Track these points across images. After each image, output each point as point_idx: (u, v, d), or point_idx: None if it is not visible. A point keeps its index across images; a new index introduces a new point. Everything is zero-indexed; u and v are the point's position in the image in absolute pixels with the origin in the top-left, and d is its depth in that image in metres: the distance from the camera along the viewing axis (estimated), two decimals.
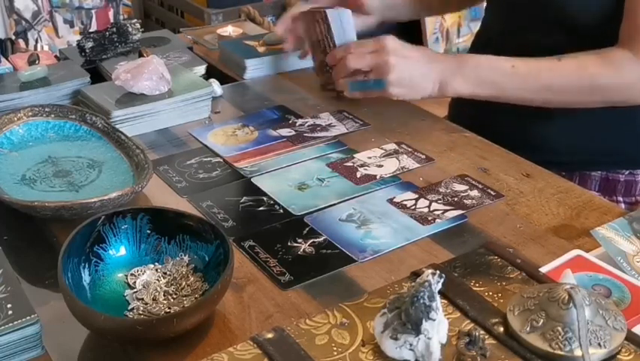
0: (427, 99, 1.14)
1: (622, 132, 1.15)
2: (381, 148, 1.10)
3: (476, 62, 1.11)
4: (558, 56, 1.08)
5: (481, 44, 1.27)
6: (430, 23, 3.14)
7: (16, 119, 1.08)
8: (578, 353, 0.65)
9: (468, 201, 0.96)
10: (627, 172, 1.17)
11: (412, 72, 1.10)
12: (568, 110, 1.11)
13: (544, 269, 0.80)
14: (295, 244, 0.88)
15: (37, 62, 1.28)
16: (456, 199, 0.97)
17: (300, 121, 1.18)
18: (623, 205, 1.17)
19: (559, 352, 0.65)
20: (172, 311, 0.75)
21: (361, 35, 1.20)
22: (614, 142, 1.16)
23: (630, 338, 0.68)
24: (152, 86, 1.16)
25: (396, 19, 1.42)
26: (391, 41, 1.10)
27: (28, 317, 0.70)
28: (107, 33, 1.34)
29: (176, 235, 0.82)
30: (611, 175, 1.17)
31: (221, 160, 1.08)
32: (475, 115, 1.21)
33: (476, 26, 1.37)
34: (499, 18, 1.25)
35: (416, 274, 0.76)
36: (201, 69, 1.34)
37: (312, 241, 0.89)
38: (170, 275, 0.80)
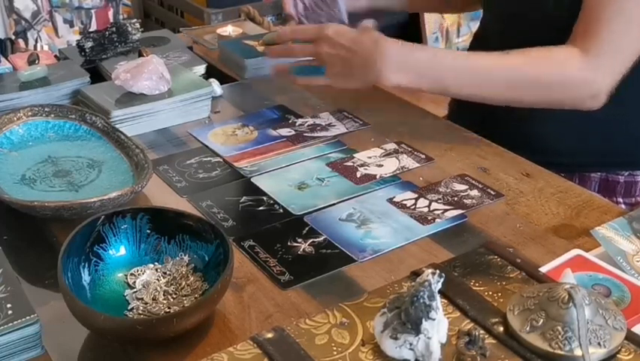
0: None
1: (621, 134, 1.15)
2: (381, 148, 1.10)
3: (418, 52, 1.08)
4: (507, 50, 1.06)
5: (479, 45, 1.27)
6: (430, 23, 3.13)
7: (15, 119, 1.08)
8: (577, 352, 0.65)
9: (468, 201, 0.96)
10: (627, 173, 1.17)
11: (347, 64, 1.08)
12: (567, 111, 1.11)
13: (544, 269, 0.80)
14: (295, 244, 0.88)
15: (36, 61, 1.28)
16: (456, 199, 0.97)
17: (299, 121, 1.18)
18: (623, 206, 1.16)
19: (559, 351, 0.65)
20: (172, 311, 0.75)
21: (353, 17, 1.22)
22: (614, 143, 1.15)
23: (630, 337, 0.68)
24: (151, 85, 1.16)
25: (388, 9, 1.37)
26: (331, 30, 1.09)
27: (27, 317, 0.70)
28: (107, 33, 1.34)
29: (175, 234, 0.82)
30: (611, 176, 1.17)
31: (221, 160, 1.08)
32: (475, 115, 1.20)
33: (476, 26, 1.36)
34: (497, 21, 1.25)
35: (416, 274, 0.76)
36: (201, 69, 1.34)
37: (311, 240, 0.89)
38: (169, 275, 0.80)
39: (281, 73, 1.18)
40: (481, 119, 1.18)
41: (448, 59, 1.08)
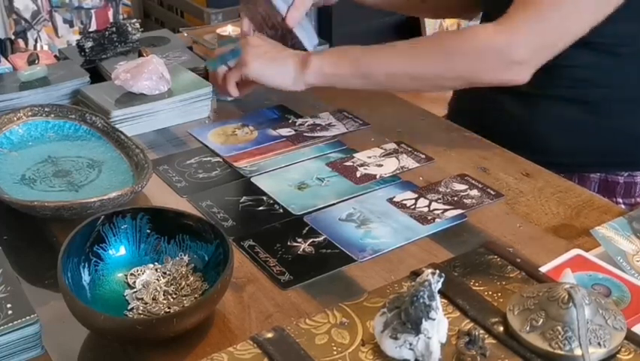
0: (291, 85, 1.12)
1: (621, 134, 1.15)
2: (381, 148, 1.10)
3: (342, 46, 1.11)
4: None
5: None
6: (430, 23, 3.13)
7: (15, 119, 1.08)
8: (577, 352, 0.65)
9: (468, 201, 0.96)
10: (626, 174, 1.16)
11: (271, 49, 1.12)
12: (567, 111, 1.11)
13: (543, 269, 0.80)
14: (295, 244, 0.88)
15: (36, 61, 1.28)
16: (456, 199, 0.97)
17: (299, 121, 1.18)
18: (622, 207, 1.16)
19: (558, 351, 0.65)
20: (172, 311, 0.75)
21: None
22: (614, 144, 1.15)
23: (630, 337, 0.68)
24: (151, 85, 1.16)
25: (364, 3, 1.34)
26: (253, 40, 1.13)
27: (27, 317, 0.70)
28: (107, 33, 1.34)
29: (175, 234, 0.82)
30: (610, 177, 1.17)
31: (221, 160, 1.08)
32: (475, 114, 1.21)
33: None
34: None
35: (416, 274, 0.76)
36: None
37: (311, 240, 0.89)
38: (169, 275, 0.80)
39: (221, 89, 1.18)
40: (481, 119, 1.18)
41: (368, 48, 1.09)
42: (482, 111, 1.19)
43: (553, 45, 1.03)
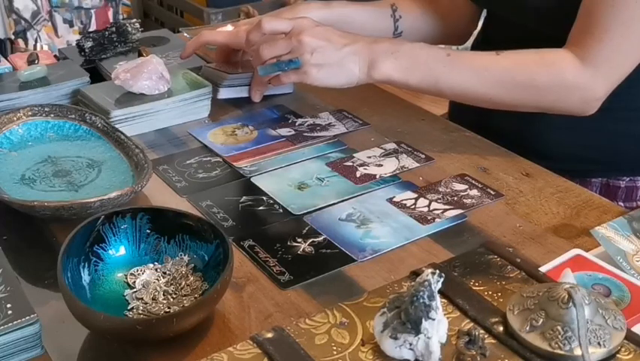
0: (354, 85, 1.05)
1: (623, 139, 1.15)
2: (381, 147, 1.10)
3: (410, 45, 1.04)
4: (498, 51, 1.04)
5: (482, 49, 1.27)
6: None
7: (15, 118, 1.08)
8: (577, 352, 0.65)
9: (467, 201, 0.96)
10: (628, 179, 1.16)
11: (332, 52, 1.01)
12: (568, 117, 1.10)
13: (543, 268, 0.80)
14: (295, 244, 0.88)
15: (36, 61, 1.28)
16: (455, 199, 0.97)
17: (299, 120, 1.18)
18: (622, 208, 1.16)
19: (558, 351, 0.65)
20: (172, 311, 0.75)
21: None
22: (615, 149, 1.15)
23: (630, 337, 0.68)
24: (151, 85, 1.16)
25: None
26: (307, 20, 1.04)
27: (27, 317, 0.70)
28: (107, 33, 1.34)
29: (175, 234, 0.82)
30: (612, 181, 1.16)
31: (221, 160, 1.08)
32: (475, 114, 1.20)
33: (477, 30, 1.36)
34: (500, 30, 1.24)
35: (416, 274, 0.76)
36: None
37: (311, 240, 0.89)
38: (169, 275, 0.80)
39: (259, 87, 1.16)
40: (481, 118, 1.18)
41: (441, 54, 1.05)
42: (482, 112, 1.19)
43: (625, 74, 1.03)
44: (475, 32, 1.35)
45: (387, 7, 1.23)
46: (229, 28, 1.46)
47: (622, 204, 1.16)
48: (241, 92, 1.26)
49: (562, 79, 1.02)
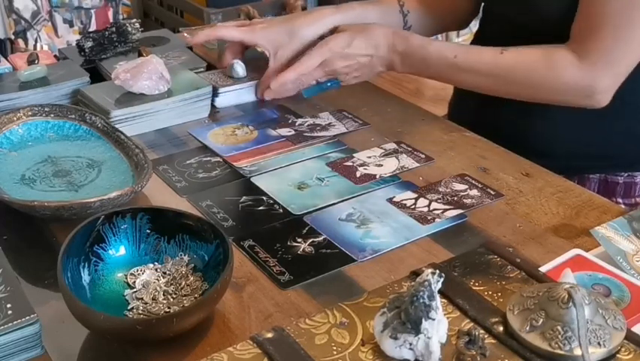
0: None
1: (621, 135, 1.15)
2: (381, 147, 1.10)
3: (421, 47, 1.14)
4: (503, 47, 1.09)
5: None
6: None
7: (15, 118, 1.08)
8: (577, 352, 0.65)
9: (467, 201, 0.96)
10: (626, 174, 1.16)
11: (364, 67, 1.17)
12: (567, 113, 1.11)
13: (543, 268, 0.80)
14: (295, 244, 0.88)
15: (36, 61, 1.28)
16: (455, 199, 0.97)
17: (299, 120, 1.18)
18: (622, 207, 1.16)
19: (558, 351, 0.65)
20: (172, 311, 0.75)
21: None
22: (613, 145, 1.15)
23: (630, 337, 0.68)
24: (151, 85, 1.16)
25: None
26: (333, 44, 1.16)
27: (27, 317, 0.70)
28: (107, 33, 1.34)
29: (175, 234, 0.82)
30: (610, 177, 1.17)
31: (221, 160, 1.08)
32: (475, 114, 1.20)
33: (476, 26, 1.36)
34: (495, 23, 1.24)
35: (416, 274, 0.76)
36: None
37: (311, 240, 0.89)
38: (169, 275, 0.80)
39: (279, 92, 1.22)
40: (481, 118, 1.18)
41: (449, 57, 1.12)
42: (482, 111, 1.19)
43: (632, 64, 1.05)
44: (473, 31, 1.36)
45: (394, 3, 1.29)
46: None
47: (620, 200, 1.17)
48: (238, 98, 1.25)
49: (562, 78, 1.06)
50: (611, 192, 1.16)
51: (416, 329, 0.65)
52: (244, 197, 0.98)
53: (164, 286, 0.79)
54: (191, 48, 1.45)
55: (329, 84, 1.22)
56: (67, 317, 0.72)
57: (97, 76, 1.29)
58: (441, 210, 0.94)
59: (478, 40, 1.31)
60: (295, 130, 1.15)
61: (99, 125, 1.09)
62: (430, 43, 1.14)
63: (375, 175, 1.03)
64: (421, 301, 0.65)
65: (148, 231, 0.82)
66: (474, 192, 0.98)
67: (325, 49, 1.16)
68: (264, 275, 0.83)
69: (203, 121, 1.19)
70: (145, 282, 0.79)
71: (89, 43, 1.33)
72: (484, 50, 1.11)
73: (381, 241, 0.89)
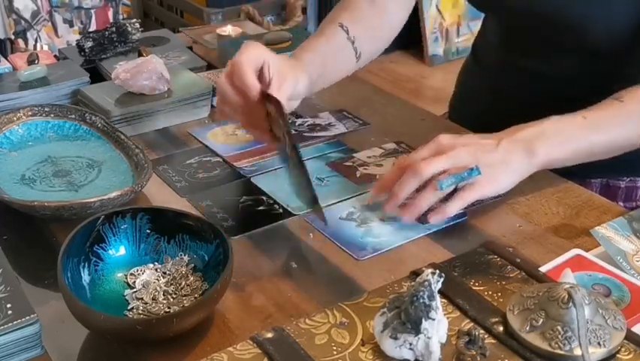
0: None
1: None
2: (381, 148, 1.10)
3: (547, 122, 0.96)
4: (615, 96, 0.99)
5: (482, 45, 1.26)
6: (429, 22, 3.13)
7: (15, 118, 1.08)
8: (577, 352, 0.65)
9: None
10: (628, 179, 1.16)
11: (492, 154, 0.93)
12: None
13: (543, 268, 0.80)
14: None
15: (36, 61, 1.28)
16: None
17: (299, 120, 1.18)
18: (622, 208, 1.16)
19: (558, 351, 0.65)
20: (172, 311, 0.75)
21: None
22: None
23: (630, 337, 0.68)
24: (151, 85, 1.17)
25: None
26: (445, 138, 0.96)
27: (27, 317, 0.70)
28: (107, 33, 1.34)
29: (175, 234, 0.82)
30: (612, 182, 1.16)
31: (221, 160, 1.08)
32: (475, 115, 1.20)
33: (476, 25, 1.36)
34: (499, 32, 1.23)
35: (416, 274, 0.76)
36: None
37: None
38: (169, 275, 0.80)
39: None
40: (481, 119, 1.18)
41: (578, 120, 0.97)
42: (482, 111, 1.19)
43: None
44: (472, 31, 1.34)
45: (339, 31, 1.12)
46: (229, 28, 1.46)
47: (622, 204, 1.16)
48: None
49: None
50: (612, 196, 1.16)
51: (416, 329, 0.65)
52: (244, 197, 0.98)
53: (164, 286, 0.79)
54: (191, 48, 1.45)
55: (467, 176, 0.91)
56: (67, 317, 0.72)
57: (97, 76, 1.29)
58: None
59: (482, 38, 1.30)
60: (295, 130, 1.15)
61: (99, 125, 1.09)
62: (551, 118, 0.98)
63: (375, 175, 1.03)
64: (421, 301, 0.65)
65: (148, 231, 0.82)
66: None
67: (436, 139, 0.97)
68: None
69: (203, 121, 1.19)
70: (145, 282, 0.79)
71: (89, 44, 1.33)
72: (603, 105, 0.99)
73: (382, 240, 0.89)
